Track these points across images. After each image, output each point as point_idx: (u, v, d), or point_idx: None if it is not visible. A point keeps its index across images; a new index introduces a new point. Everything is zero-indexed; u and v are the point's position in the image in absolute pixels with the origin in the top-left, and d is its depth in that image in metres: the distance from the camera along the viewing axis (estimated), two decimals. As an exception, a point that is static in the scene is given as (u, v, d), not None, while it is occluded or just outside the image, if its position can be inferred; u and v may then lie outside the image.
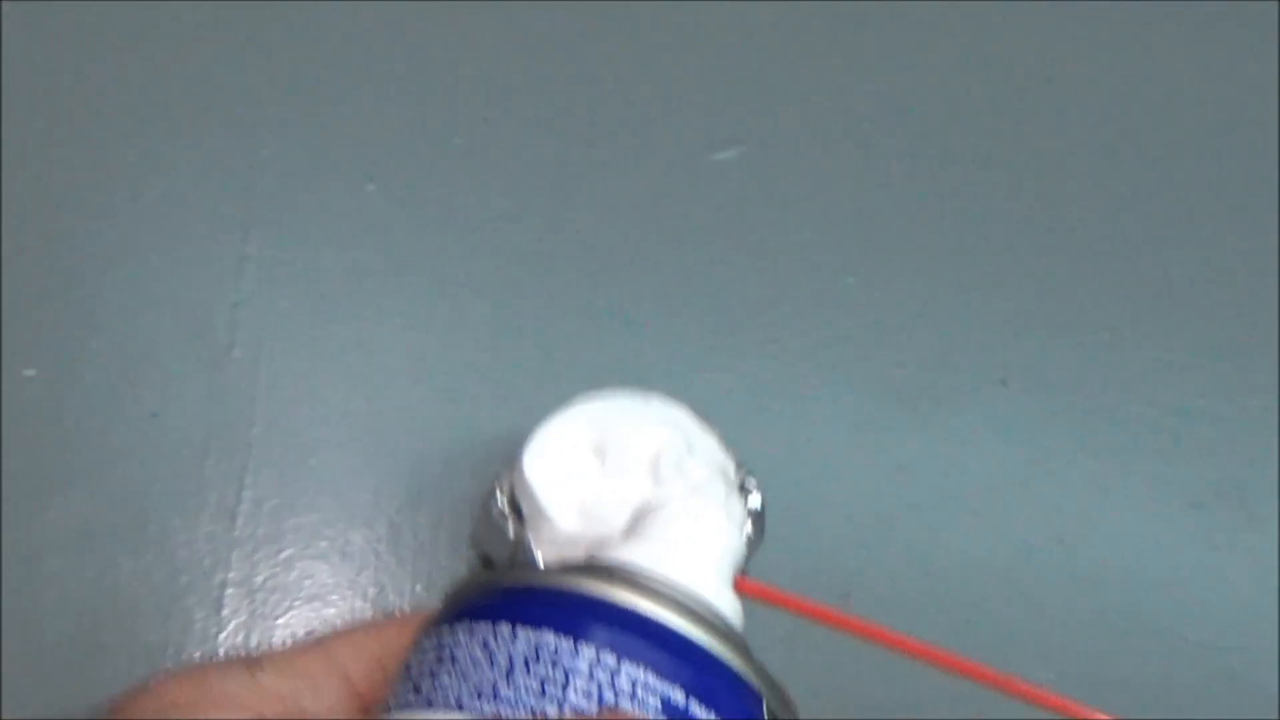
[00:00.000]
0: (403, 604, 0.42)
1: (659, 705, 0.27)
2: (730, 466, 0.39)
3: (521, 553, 0.37)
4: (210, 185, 0.48)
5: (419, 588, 0.43)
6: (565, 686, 0.27)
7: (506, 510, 0.38)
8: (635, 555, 0.34)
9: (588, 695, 0.27)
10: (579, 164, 0.49)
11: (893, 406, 0.48)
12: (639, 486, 0.37)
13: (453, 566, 0.43)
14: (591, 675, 0.27)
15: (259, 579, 0.42)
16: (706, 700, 0.27)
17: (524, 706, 0.27)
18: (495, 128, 0.50)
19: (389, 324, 0.47)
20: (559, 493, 0.37)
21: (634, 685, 0.27)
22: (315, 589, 0.42)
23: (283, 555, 0.42)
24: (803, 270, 0.49)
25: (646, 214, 0.49)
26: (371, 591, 0.42)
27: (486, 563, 0.38)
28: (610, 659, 0.27)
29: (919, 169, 0.51)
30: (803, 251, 0.50)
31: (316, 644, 0.30)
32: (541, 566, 0.36)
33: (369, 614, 0.42)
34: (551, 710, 0.26)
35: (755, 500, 0.39)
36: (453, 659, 0.28)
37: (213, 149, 0.48)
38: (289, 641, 0.39)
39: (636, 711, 0.26)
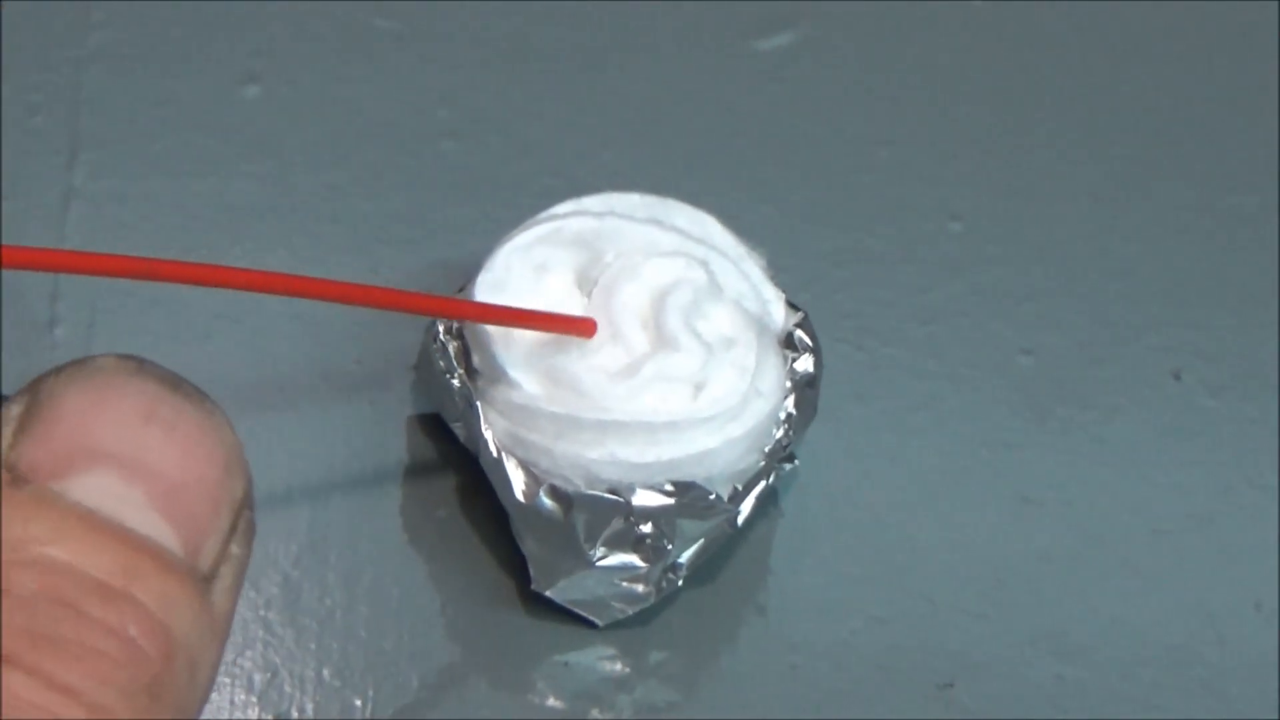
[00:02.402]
0: (303, 697, 0.42)
1: None
2: (777, 309, 0.42)
3: (466, 411, 0.40)
4: (21, 82, 0.49)
5: (326, 673, 0.42)
6: None
7: (454, 360, 0.41)
8: (622, 451, 0.38)
9: None
10: (566, 56, 0.51)
11: (1016, 411, 0.48)
12: (633, 342, 0.39)
13: (381, 644, 0.43)
14: None
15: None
16: None
17: None
18: (440, 3, 0.51)
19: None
20: (521, 342, 0.39)
21: None
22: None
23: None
24: (881, 209, 0.50)
25: (667, 123, 0.51)
26: (260, 679, 0.43)
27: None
28: None
29: (1052, 55, 0.53)
30: (881, 180, 0.51)
31: None
32: (491, 444, 0.39)
33: (253, 709, 0.42)
34: None
35: (806, 362, 0.42)
36: None
37: (24, 22, 0.49)
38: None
39: None
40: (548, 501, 0.39)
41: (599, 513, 0.39)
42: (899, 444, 0.46)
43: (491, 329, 0.39)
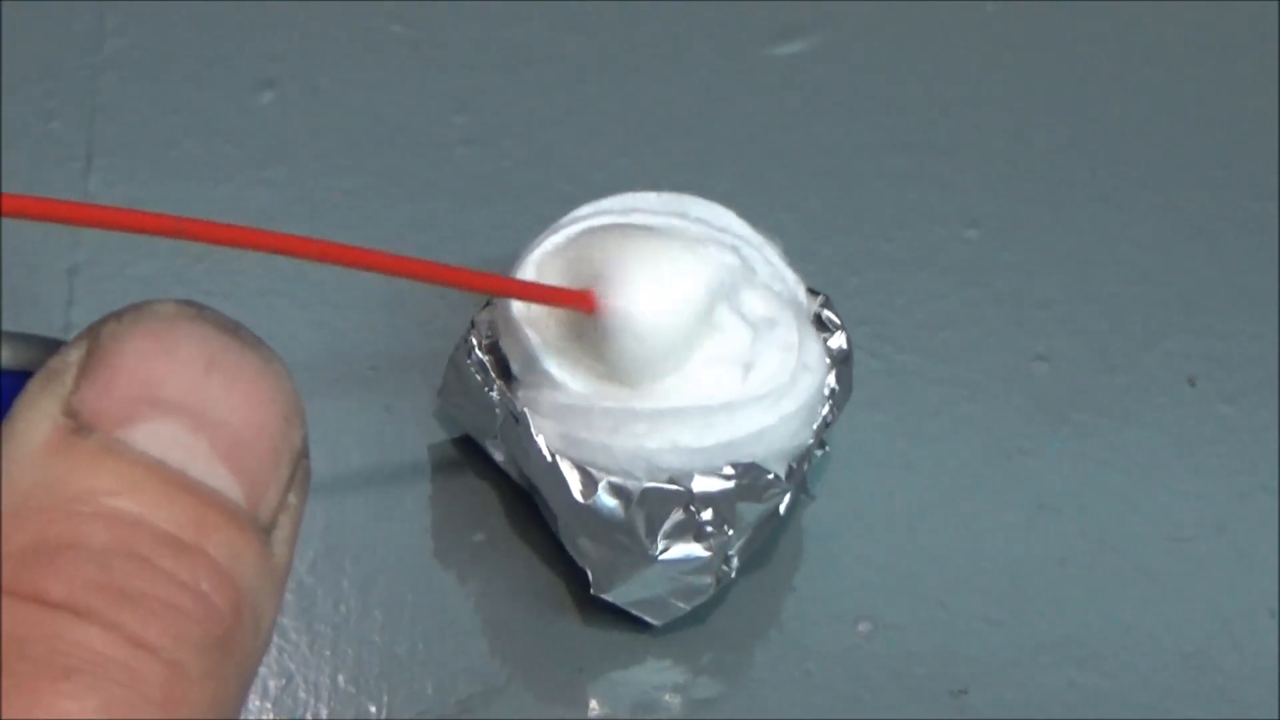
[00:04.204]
0: (317, 703, 0.42)
1: None
2: (801, 291, 0.42)
3: (508, 423, 0.40)
4: (36, 89, 0.48)
5: (341, 679, 0.42)
6: None
7: (491, 373, 0.41)
8: (682, 438, 0.38)
9: None
10: (583, 61, 0.51)
11: (1032, 417, 0.47)
12: None
13: (395, 651, 0.43)
14: None
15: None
16: None
17: None
18: (455, 8, 0.51)
19: (291, 295, 0.47)
20: (564, 342, 0.39)
21: None
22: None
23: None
24: (897, 216, 0.50)
25: (683, 129, 0.50)
26: (274, 686, 0.42)
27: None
28: None
29: (1067, 61, 0.53)
30: (897, 186, 0.51)
31: None
32: (544, 448, 0.39)
33: (268, 713, 0.42)
34: None
35: (839, 339, 0.42)
36: None
37: (40, 29, 0.49)
38: None
39: None
40: (607, 500, 0.39)
41: (660, 505, 0.39)
42: (914, 450, 0.46)
43: (531, 335, 0.39)
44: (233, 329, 0.24)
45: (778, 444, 0.39)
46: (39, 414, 0.23)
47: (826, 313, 0.42)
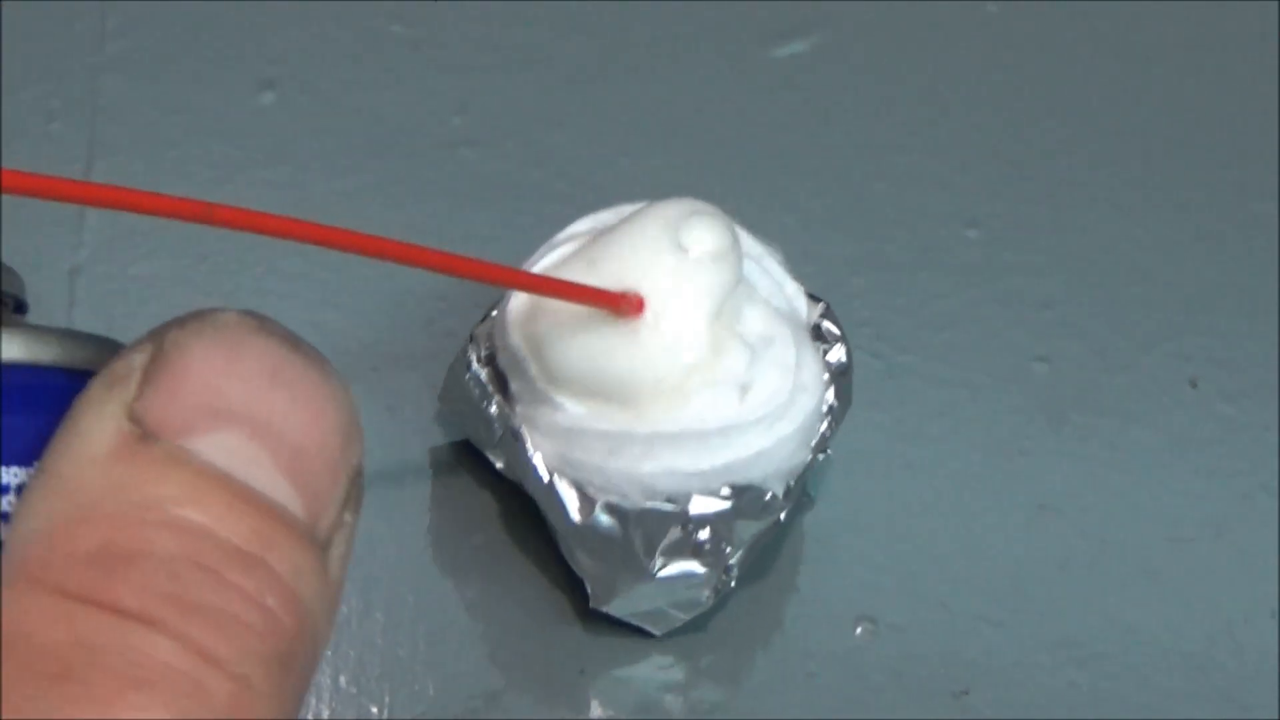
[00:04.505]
0: (319, 704, 0.42)
1: None
2: (801, 303, 0.42)
3: (507, 437, 0.40)
4: (37, 89, 0.48)
5: (343, 680, 0.42)
6: None
7: (486, 382, 0.41)
8: (678, 462, 0.38)
9: None
10: (582, 62, 0.51)
11: (1033, 418, 0.47)
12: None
13: (397, 653, 0.42)
14: None
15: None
16: None
17: None
18: (455, 10, 0.51)
19: (293, 296, 0.47)
20: (561, 364, 0.39)
21: None
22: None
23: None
24: (898, 217, 0.50)
25: (684, 131, 0.50)
26: None
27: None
28: None
29: (1068, 62, 0.53)
30: (898, 188, 0.51)
31: None
32: (540, 468, 0.39)
33: None
34: None
35: (838, 352, 0.42)
36: None
37: (41, 29, 0.49)
38: None
39: None
40: (604, 519, 0.39)
41: (657, 525, 0.39)
42: (915, 451, 0.46)
43: (528, 354, 0.39)
44: (295, 342, 0.24)
45: (775, 465, 0.39)
46: (103, 417, 0.22)
47: (826, 323, 0.42)
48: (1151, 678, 0.44)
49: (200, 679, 0.21)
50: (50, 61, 0.49)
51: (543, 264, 0.40)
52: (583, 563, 0.40)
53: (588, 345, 0.38)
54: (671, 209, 0.39)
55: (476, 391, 0.41)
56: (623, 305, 0.38)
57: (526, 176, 0.48)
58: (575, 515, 0.39)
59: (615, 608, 0.41)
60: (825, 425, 0.41)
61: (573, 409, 0.39)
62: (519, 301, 0.40)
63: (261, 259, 0.47)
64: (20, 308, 0.26)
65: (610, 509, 0.39)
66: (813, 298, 0.42)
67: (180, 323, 0.23)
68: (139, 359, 0.23)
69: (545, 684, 0.42)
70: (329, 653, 0.43)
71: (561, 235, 0.41)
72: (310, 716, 0.42)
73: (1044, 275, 0.49)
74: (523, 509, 0.42)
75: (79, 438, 0.22)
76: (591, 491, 0.39)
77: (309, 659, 0.23)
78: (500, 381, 0.40)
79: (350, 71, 0.49)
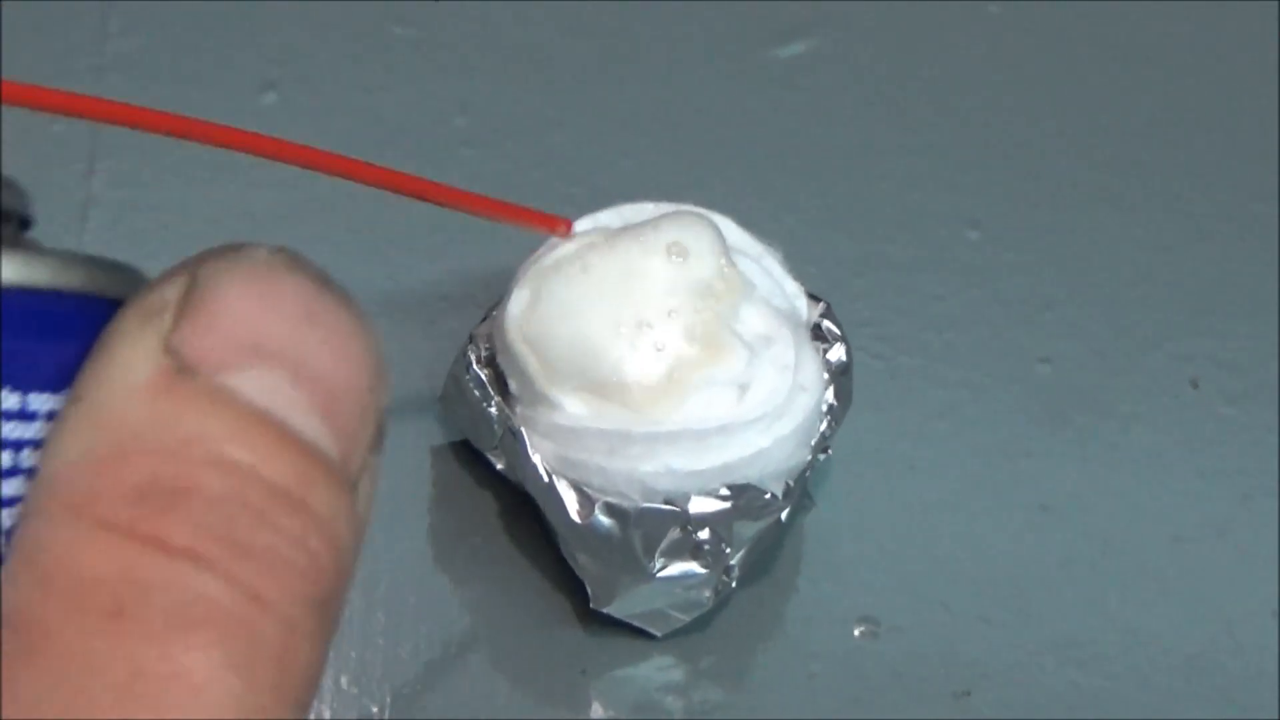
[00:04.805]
0: (320, 704, 0.42)
1: None
2: (801, 302, 0.42)
3: (507, 438, 0.40)
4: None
5: (344, 680, 0.42)
6: None
7: (486, 382, 0.40)
8: (677, 461, 0.38)
9: None
10: (584, 63, 0.51)
11: (1034, 419, 0.47)
12: (674, 349, 0.39)
13: (398, 653, 0.42)
14: None
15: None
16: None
17: None
18: (457, 10, 0.51)
19: None
20: (560, 364, 0.39)
21: None
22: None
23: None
24: (899, 218, 0.50)
25: (685, 131, 0.50)
26: None
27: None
28: None
29: (1069, 63, 0.53)
30: (899, 188, 0.51)
31: None
32: (540, 468, 0.39)
33: None
34: None
35: (838, 351, 0.42)
36: None
37: (42, 30, 0.49)
38: None
39: None
40: (604, 519, 0.39)
41: (657, 525, 0.39)
42: (917, 452, 0.46)
43: (527, 355, 0.39)
44: (326, 281, 0.23)
45: (774, 465, 0.39)
46: (140, 350, 0.22)
47: (826, 323, 0.42)
48: (1152, 678, 0.44)
49: (251, 620, 0.21)
50: (52, 61, 0.49)
51: (543, 264, 0.40)
52: (583, 563, 0.40)
53: (583, 361, 0.39)
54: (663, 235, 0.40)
55: (476, 392, 0.41)
56: (550, 224, 0.39)
57: (527, 177, 0.48)
58: (575, 516, 0.39)
59: (615, 609, 0.41)
60: (825, 425, 0.41)
61: (572, 409, 0.39)
62: (518, 300, 0.40)
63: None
64: (25, 224, 0.26)
65: (610, 509, 0.39)
66: (813, 297, 0.42)
67: (214, 255, 0.23)
68: (173, 291, 0.22)
69: (546, 684, 0.42)
70: (330, 653, 0.43)
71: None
72: (311, 716, 0.42)
73: (1045, 276, 0.49)
74: (523, 509, 0.42)
75: (116, 368, 0.22)
76: (591, 492, 0.39)
77: (342, 602, 0.23)
78: (500, 382, 0.40)
79: (351, 72, 0.50)
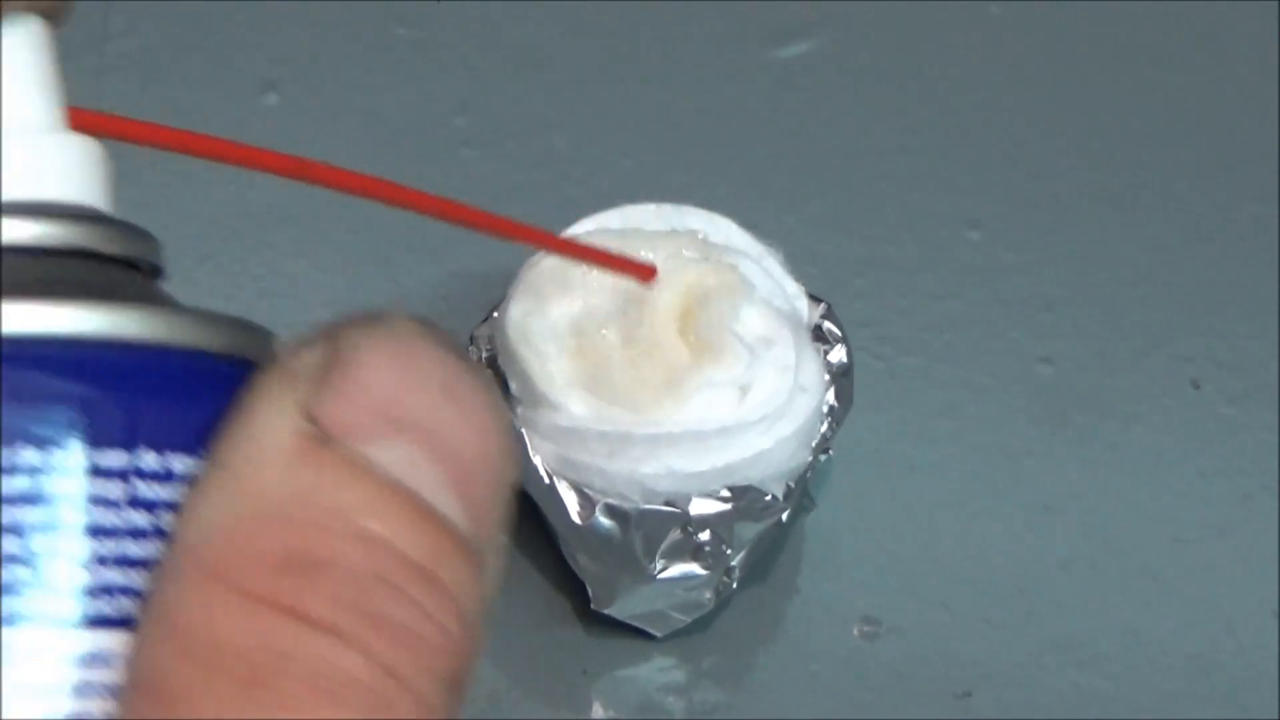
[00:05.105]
0: None
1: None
2: (802, 303, 0.42)
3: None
4: None
5: None
6: None
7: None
8: (678, 463, 0.38)
9: None
10: (585, 64, 0.51)
11: (1035, 419, 0.47)
12: (673, 351, 0.39)
13: None
14: None
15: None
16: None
17: None
18: (458, 11, 0.50)
19: (294, 297, 0.47)
20: (560, 363, 0.39)
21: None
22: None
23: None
24: (900, 218, 0.50)
25: (686, 132, 0.50)
26: None
27: None
28: None
29: (1070, 63, 0.53)
30: (900, 189, 0.51)
31: None
32: (541, 470, 0.39)
33: None
34: None
35: (839, 352, 0.42)
36: None
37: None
38: None
39: None
40: (605, 521, 0.39)
41: (657, 526, 0.39)
42: (917, 452, 0.46)
43: (527, 354, 0.39)
44: (463, 354, 0.23)
45: (775, 466, 0.39)
46: (281, 416, 0.22)
47: (827, 324, 0.42)
48: (1153, 678, 0.44)
49: (386, 695, 0.21)
50: (53, 62, 0.49)
51: (544, 265, 0.40)
52: (584, 564, 0.40)
53: (584, 363, 0.39)
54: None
55: None
56: (639, 272, 0.38)
57: (528, 177, 0.48)
58: (576, 517, 0.39)
59: (616, 610, 0.41)
60: (826, 426, 0.41)
61: (573, 410, 0.39)
62: (519, 303, 0.40)
63: (263, 260, 0.47)
64: (156, 273, 0.26)
65: (611, 511, 0.39)
66: (814, 298, 0.42)
67: (354, 324, 0.23)
68: (314, 357, 0.22)
69: (547, 684, 0.42)
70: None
71: (563, 236, 0.41)
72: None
73: (1046, 277, 0.49)
74: (523, 510, 0.42)
75: (257, 433, 0.22)
76: (592, 493, 0.39)
77: (472, 680, 0.23)
78: (501, 383, 0.40)
79: (353, 73, 0.49)
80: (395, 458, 0.22)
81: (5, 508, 0.22)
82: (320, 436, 0.22)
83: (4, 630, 0.21)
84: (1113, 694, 0.44)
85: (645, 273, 0.38)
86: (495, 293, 0.41)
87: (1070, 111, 0.52)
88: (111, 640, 0.21)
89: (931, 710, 0.43)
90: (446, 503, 0.22)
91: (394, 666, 0.21)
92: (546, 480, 0.39)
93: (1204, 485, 0.47)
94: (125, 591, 0.22)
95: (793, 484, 0.40)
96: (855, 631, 0.43)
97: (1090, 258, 0.50)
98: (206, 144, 0.26)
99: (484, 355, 0.41)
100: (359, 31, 0.50)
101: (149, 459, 0.22)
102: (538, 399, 0.39)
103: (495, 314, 0.41)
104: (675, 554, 0.39)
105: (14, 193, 0.23)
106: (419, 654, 0.22)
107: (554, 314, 0.39)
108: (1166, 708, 0.44)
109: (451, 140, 0.49)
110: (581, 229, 0.41)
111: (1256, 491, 0.47)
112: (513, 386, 0.40)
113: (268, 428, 0.22)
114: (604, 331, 0.39)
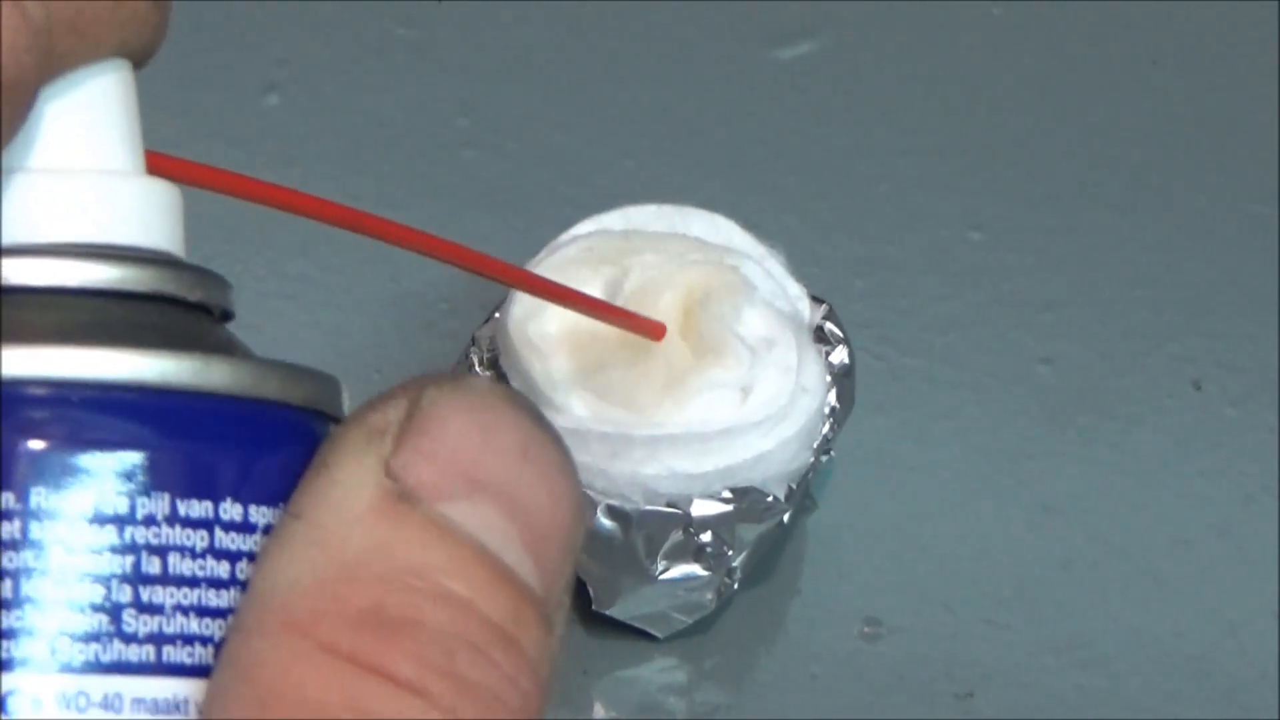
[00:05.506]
0: None
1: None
2: (804, 304, 0.42)
3: None
4: None
5: None
6: None
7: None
8: (680, 464, 0.38)
9: None
10: (587, 64, 0.51)
11: (1037, 420, 0.47)
12: (675, 352, 0.39)
13: None
14: None
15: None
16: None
17: None
18: (459, 12, 0.50)
19: (296, 298, 0.47)
20: (562, 364, 0.39)
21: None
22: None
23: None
24: (901, 219, 0.50)
25: (688, 133, 0.50)
26: None
27: None
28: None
29: (1071, 65, 0.53)
30: (901, 190, 0.50)
31: None
32: None
33: None
34: None
35: (841, 353, 0.42)
36: None
37: None
38: None
39: None
40: (606, 522, 0.39)
41: (658, 527, 0.39)
42: (919, 453, 0.46)
43: (529, 355, 0.39)
44: (540, 417, 0.23)
45: (776, 468, 0.39)
46: (362, 471, 0.22)
47: (829, 325, 0.42)
48: (1154, 679, 0.44)
49: None
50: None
51: (544, 264, 0.40)
52: (585, 565, 0.40)
53: (584, 363, 0.39)
54: None
55: None
56: (648, 329, 0.38)
57: (530, 178, 0.48)
58: None
59: (618, 610, 0.41)
60: (827, 427, 0.41)
61: (575, 411, 0.39)
62: (521, 304, 0.40)
63: (265, 262, 0.47)
64: (226, 317, 0.26)
65: (612, 512, 0.39)
66: (815, 299, 0.42)
67: (435, 383, 0.23)
68: (395, 413, 0.23)
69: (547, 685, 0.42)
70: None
71: (564, 237, 0.41)
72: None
73: (1047, 277, 0.49)
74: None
75: (338, 488, 0.22)
76: (593, 494, 0.39)
77: None
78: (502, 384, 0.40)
79: (354, 74, 0.49)
80: (473, 517, 0.22)
81: (91, 556, 0.22)
82: (402, 494, 0.22)
83: (84, 674, 0.22)
84: (1114, 694, 0.44)
85: (657, 330, 0.39)
86: (497, 293, 0.41)
87: (1071, 112, 0.52)
88: (189, 688, 0.21)
89: (933, 711, 0.43)
90: (523, 564, 0.23)
91: None
92: None
93: (1205, 486, 0.47)
94: (204, 641, 0.22)
95: (794, 485, 0.40)
96: (857, 632, 0.43)
97: (1091, 258, 0.49)
98: (282, 195, 0.27)
99: (485, 356, 0.41)
100: (360, 32, 0.50)
101: (232, 510, 0.23)
102: (539, 400, 0.39)
103: (497, 315, 0.41)
104: (677, 555, 0.39)
105: (97, 236, 0.24)
106: (499, 717, 0.22)
107: (555, 315, 0.39)
108: (1167, 708, 0.44)
109: (452, 141, 0.49)
110: (582, 229, 0.41)
111: (1257, 492, 0.47)
112: (514, 387, 0.40)
113: (351, 483, 0.22)
114: (606, 332, 0.39)
